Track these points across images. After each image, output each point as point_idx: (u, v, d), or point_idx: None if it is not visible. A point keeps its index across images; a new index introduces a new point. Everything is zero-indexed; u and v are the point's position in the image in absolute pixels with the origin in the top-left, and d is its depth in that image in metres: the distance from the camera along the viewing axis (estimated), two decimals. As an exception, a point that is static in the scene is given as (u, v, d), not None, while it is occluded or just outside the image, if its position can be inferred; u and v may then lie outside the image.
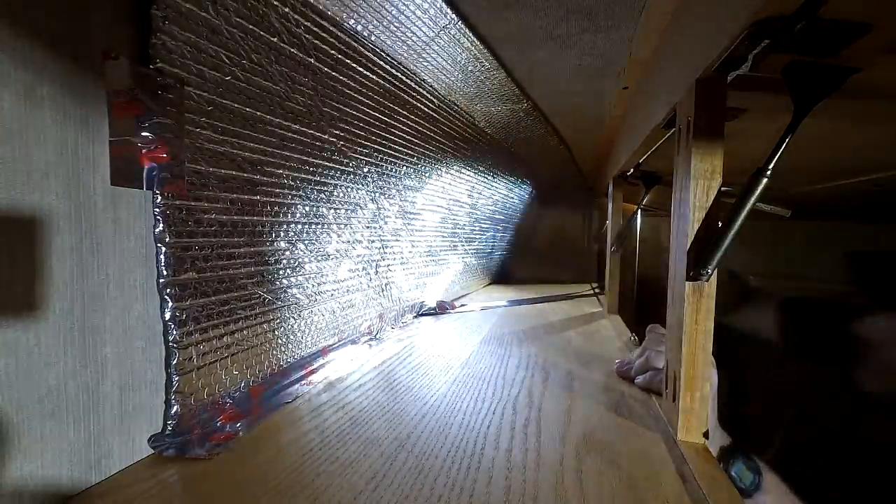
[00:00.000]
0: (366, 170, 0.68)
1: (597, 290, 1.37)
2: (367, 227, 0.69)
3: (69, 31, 0.29)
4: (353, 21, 0.51)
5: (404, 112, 0.74)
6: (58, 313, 0.29)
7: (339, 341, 0.62)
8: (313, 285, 0.55)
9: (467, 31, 0.55)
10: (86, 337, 0.30)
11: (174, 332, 0.36)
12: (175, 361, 0.36)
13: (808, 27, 0.29)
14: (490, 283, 1.50)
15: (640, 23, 0.51)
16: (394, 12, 0.51)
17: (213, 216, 0.39)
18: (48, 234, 0.28)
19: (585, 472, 0.35)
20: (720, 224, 0.37)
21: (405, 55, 0.61)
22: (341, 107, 0.56)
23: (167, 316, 0.35)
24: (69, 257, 0.29)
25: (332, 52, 0.51)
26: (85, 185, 0.30)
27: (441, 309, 1.01)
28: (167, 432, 0.36)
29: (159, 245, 0.34)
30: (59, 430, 0.29)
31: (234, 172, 0.41)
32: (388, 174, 0.76)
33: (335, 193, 0.60)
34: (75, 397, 0.30)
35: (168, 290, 0.35)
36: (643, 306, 1.57)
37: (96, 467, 0.31)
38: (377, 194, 0.73)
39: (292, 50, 0.46)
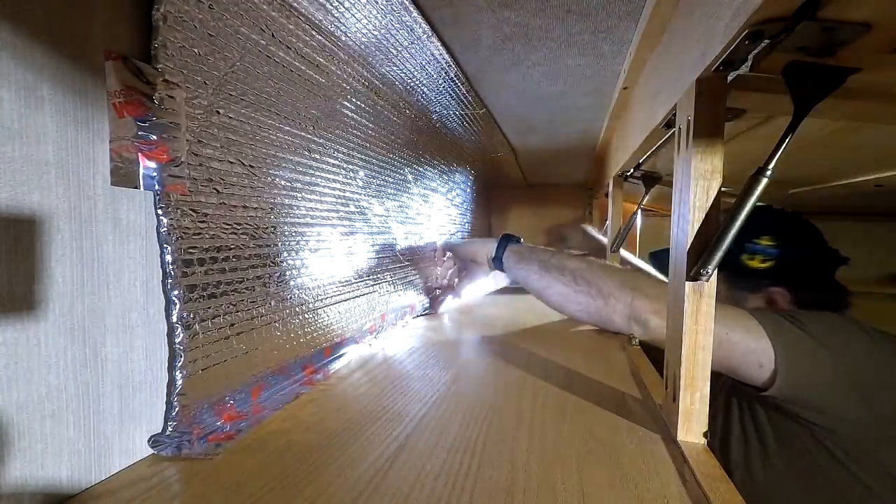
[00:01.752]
0: (359, 172, 0.68)
1: None
2: (367, 228, 0.69)
3: (69, 31, 0.29)
4: (332, 27, 0.51)
5: (383, 114, 0.75)
6: (58, 313, 0.29)
7: (342, 341, 0.62)
8: (316, 285, 0.55)
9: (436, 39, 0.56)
10: (86, 337, 0.30)
11: (181, 334, 0.36)
12: (180, 363, 0.36)
13: (808, 27, 0.29)
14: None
15: (639, 23, 0.51)
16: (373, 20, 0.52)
17: (216, 217, 0.39)
18: (48, 234, 0.28)
19: (585, 472, 0.35)
20: (720, 224, 0.37)
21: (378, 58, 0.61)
22: (326, 108, 0.56)
23: (174, 318, 0.35)
24: (69, 257, 0.29)
25: (314, 54, 0.52)
26: (85, 186, 0.30)
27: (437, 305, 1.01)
28: (167, 432, 0.36)
29: (165, 246, 0.34)
30: (59, 430, 0.29)
31: (234, 173, 0.41)
32: (377, 175, 0.76)
33: (332, 194, 0.60)
34: (75, 397, 0.30)
35: (175, 292, 0.35)
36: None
37: (96, 467, 0.31)
38: (371, 195, 0.73)
39: (280, 53, 0.46)
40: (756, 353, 0.53)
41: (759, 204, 0.39)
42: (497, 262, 0.80)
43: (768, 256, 0.79)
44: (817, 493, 0.60)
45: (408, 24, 0.52)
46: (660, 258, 1.11)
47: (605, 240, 1.19)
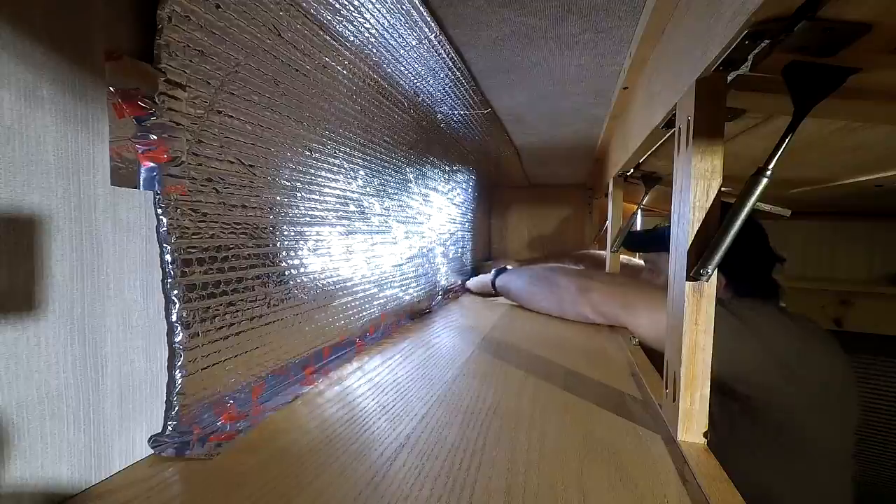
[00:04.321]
0: (360, 171, 0.68)
1: None
2: (367, 227, 0.69)
3: (70, 30, 0.29)
4: (340, 27, 0.51)
5: (386, 114, 0.75)
6: (58, 313, 0.29)
7: (341, 341, 0.62)
8: (315, 285, 0.55)
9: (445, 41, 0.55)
10: (86, 337, 0.30)
11: (180, 334, 0.36)
12: (179, 362, 0.36)
13: (808, 27, 0.29)
14: None
15: (640, 23, 0.51)
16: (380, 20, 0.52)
17: (216, 217, 0.39)
18: (48, 234, 0.28)
19: (585, 472, 0.35)
20: (720, 224, 0.37)
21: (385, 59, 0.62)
22: (328, 107, 0.56)
23: (174, 317, 0.35)
24: (69, 257, 0.29)
25: (320, 53, 0.52)
26: (85, 186, 0.30)
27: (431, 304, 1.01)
28: (167, 432, 0.36)
29: (164, 245, 0.34)
30: (59, 431, 0.29)
31: (234, 172, 0.41)
32: (378, 174, 0.76)
33: (332, 193, 0.60)
34: (76, 397, 0.30)
35: (175, 292, 0.35)
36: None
37: (96, 467, 0.31)
38: (372, 195, 0.73)
39: (285, 52, 0.46)
40: None
41: None
42: (494, 287, 1.13)
43: None
44: (754, 458, 0.66)
45: (418, 23, 0.52)
46: (637, 238, 1.13)
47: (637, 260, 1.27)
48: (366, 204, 0.69)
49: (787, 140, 0.35)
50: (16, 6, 0.26)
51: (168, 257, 0.35)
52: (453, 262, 1.19)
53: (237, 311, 0.42)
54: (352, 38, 0.54)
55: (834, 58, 0.32)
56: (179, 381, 0.36)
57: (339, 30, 0.52)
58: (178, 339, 0.35)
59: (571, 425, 0.43)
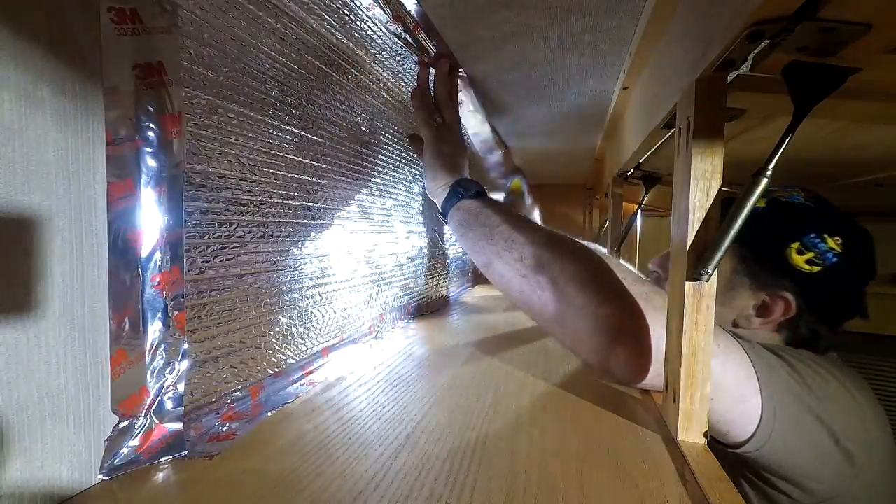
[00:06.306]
0: (361, 171, 0.68)
1: None
2: (366, 227, 0.69)
3: (69, 30, 0.29)
4: (335, 39, 0.52)
5: (386, 115, 0.75)
6: (58, 313, 0.29)
7: (340, 341, 0.62)
8: (314, 285, 0.55)
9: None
10: (86, 337, 0.30)
11: (180, 334, 0.35)
12: (179, 363, 0.35)
13: (808, 27, 0.29)
14: (475, 285, 1.46)
15: (640, 23, 0.51)
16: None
17: (213, 217, 0.39)
18: (48, 234, 0.28)
19: (585, 472, 0.35)
20: (720, 224, 0.37)
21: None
22: (327, 108, 0.56)
23: (173, 318, 0.35)
24: (69, 257, 0.29)
25: (319, 63, 0.52)
26: (85, 185, 0.30)
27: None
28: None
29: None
30: (59, 431, 0.29)
31: (232, 173, 0.41)
32: (379, 174, 0.76)
33: (331, 194, 0.60)
34: (76, 398, 0.30)
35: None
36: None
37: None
38: (372, 194, 0.73)
39: (282, 53, 0.47)
40: (745, 403, 0.46)
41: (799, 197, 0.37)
42: (445, 219, 0.63)
43: (822, 261, 0.61)
44: None
45: (412, 26, 0.52)
46: None
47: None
48: (367, 204, 0.69)
49: (787, 140, 0.35)
50: (16, 6, 0.26)
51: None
52: (455, 262, 1.19)
53: (237, 313, 0.42)
54: (345, 41, 0.54)
55: (834, 58, 0.32)
56: (179, 382, 0.36)
57: (333, 33, 0.52)
58: (177, 339, 0.35)
59: (571, 425, 0.43)
